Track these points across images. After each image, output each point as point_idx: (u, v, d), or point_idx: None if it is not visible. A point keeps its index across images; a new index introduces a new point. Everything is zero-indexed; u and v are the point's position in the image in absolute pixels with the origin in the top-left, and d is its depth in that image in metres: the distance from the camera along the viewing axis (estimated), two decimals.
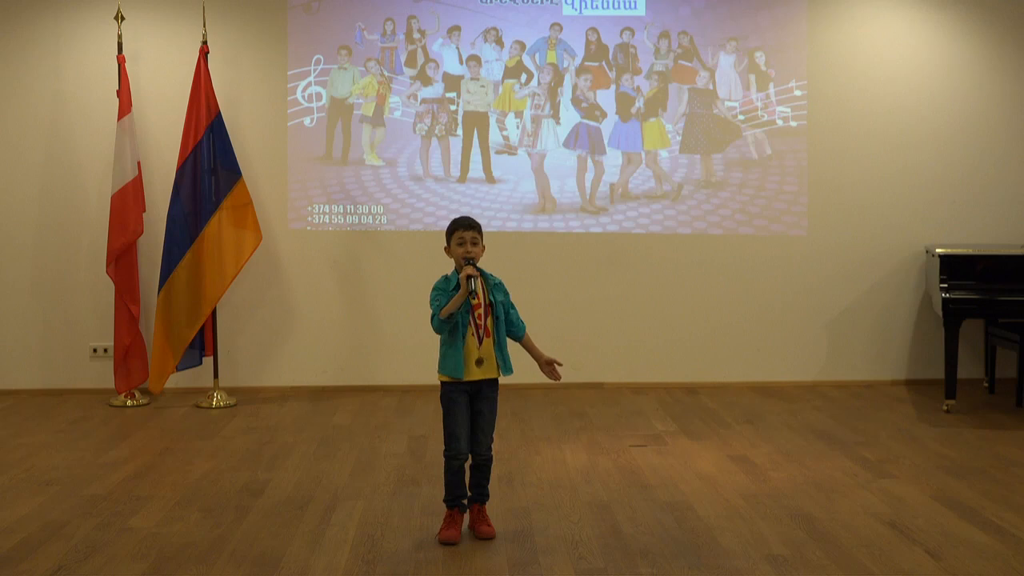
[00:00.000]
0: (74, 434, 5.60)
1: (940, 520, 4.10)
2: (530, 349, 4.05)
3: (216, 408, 6.24)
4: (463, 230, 3.91)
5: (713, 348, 6.95)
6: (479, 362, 3.89)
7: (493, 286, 3.95)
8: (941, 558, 3.68)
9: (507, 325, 3.99)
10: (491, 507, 4.06)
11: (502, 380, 3.99)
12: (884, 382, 7.00)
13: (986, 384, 6.71)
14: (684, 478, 4.72)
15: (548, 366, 4.00)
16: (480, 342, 3.88)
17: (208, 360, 6.42)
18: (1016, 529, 4.00)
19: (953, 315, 6.04)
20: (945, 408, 6.07)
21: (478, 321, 3.88)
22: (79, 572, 3.57)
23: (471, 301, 3.86)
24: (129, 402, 6.32)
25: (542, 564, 3.64)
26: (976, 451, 5.21)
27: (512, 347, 4.00)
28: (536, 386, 6.64)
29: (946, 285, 6.08)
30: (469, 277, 3.80)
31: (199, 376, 6.55)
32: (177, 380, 6.54)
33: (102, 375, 6.60)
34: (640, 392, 6.74)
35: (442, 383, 3.95)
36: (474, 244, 3.91)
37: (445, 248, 3.99)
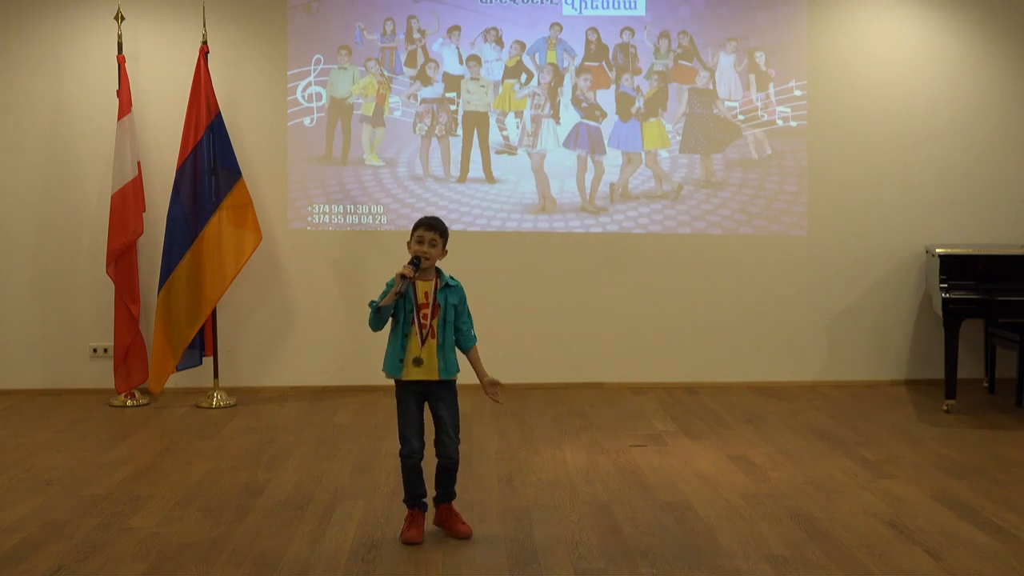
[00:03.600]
0: (74, 434, 5.60)
1: (940, 520, 4.10)
2: (474, 364, 3.95)
3: (216, 408, 6.24)
4: (424, 229, 3.86)
5: (713, 348, 6.95)
6: (417, 361, 3.85)
7: (448, 288, 3.90)
8: (941, 558, 3.68)
9: (456, 333, 3.93)
10: (491, 507, 4.06)
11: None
12: (884, 382, 7.00)
13: (986, 384, 6.71)
14: (684, 478, 4.72)
15: (491, 387, 3.93)
16: (423, 342, 3.85)
17: (208, 360, 6.42)
18: (1016, 529, 4.00)
19: (953, 315, 6.04)
20: (945, 408, 6.07)
21: (423, 321, 3.86)
22: (79, 572, 3.57)
23: (415, 301, 3.82)
24: (129, 402, 6.32)
25: (542, 564, 3.64)
26: (976, 451, 5.21)
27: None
28: (536, 386, 6.64)
29: (946, 285, 6.08)
30: (403, 276, 3.76)
31: (199, 376, 6.55)
32: (177, 380, 6.53)
33: (102, 375, 6.60)
34: (640, 392, 6.74)
35: (395, 381, 3.93)
36: (432, 245, 3.85)
37: (408, 243, 3.92)
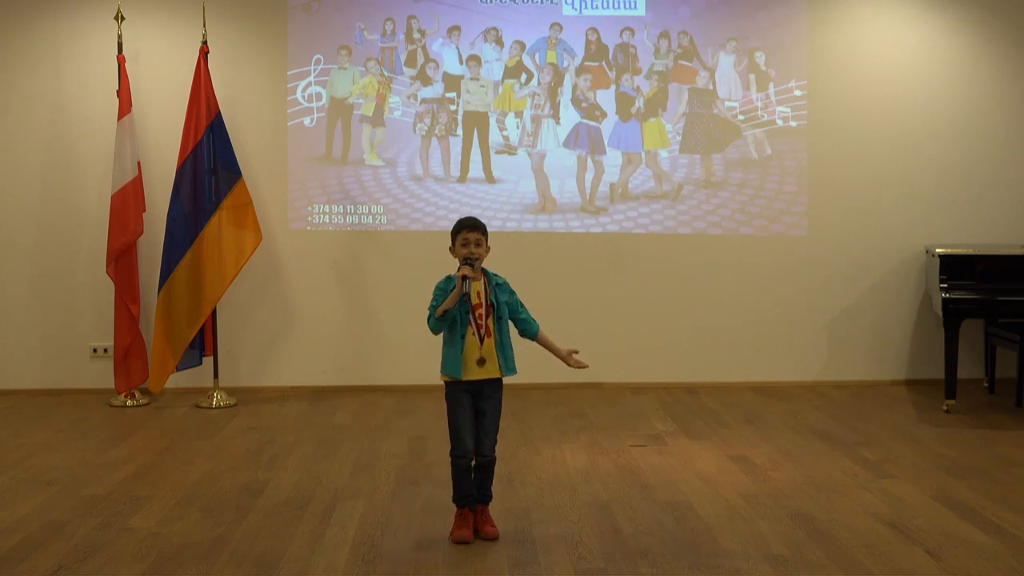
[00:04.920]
0: (74, 434, 5.60)
1: (940, 520, 4.10)
2: (547, 345, 4.06)
3: (216, 408, 6.24)
4: (468, 231, 3.92)
5: (713, 348, 6.95)
6: (480, 362, 3.89)
7: (496, 286, 3.95)
8: (941, 558, 3.68)
9: (519, 324, 4.02)
10: (491, 507, 4.06)
11: (505, 380, 3.99)
12: (884, 382, 7.00)
13: (986, 384, 6.71)
14: (684, 478, 4.72)
15: (571, 356, 4.05)
16: (481, 342, 3.89)
17: (208, 360, 6.42)
18: (1016, 529, 4.00)
19: (953, 315, 6.04)
20: (945, 408, 6.07)
21: (479, 321, 3.89)
22: (79, 572, 3.57)
23: (468, 302, 3.86)
24: (129, 402, 6.32)
25: (542, 564, 3.64)
26: (976, 451, 5.21)
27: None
28: (536, 386, 6.64)
29: (946, 285, 6.08)
30: (464, 277, 3.80)
31: (199, 376, 6.55)
32: (177, 380, 6.53)
33: (102, 375, 6.60)
34: (640, 392, 6.74)
35: (445, 383, 3.95)
36: (478, 245, 3.91)
37: (450, 248, 3.98)
